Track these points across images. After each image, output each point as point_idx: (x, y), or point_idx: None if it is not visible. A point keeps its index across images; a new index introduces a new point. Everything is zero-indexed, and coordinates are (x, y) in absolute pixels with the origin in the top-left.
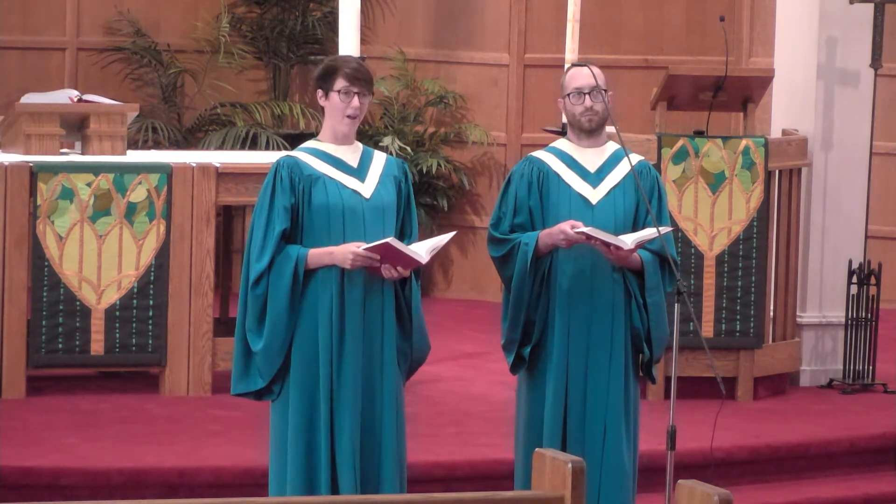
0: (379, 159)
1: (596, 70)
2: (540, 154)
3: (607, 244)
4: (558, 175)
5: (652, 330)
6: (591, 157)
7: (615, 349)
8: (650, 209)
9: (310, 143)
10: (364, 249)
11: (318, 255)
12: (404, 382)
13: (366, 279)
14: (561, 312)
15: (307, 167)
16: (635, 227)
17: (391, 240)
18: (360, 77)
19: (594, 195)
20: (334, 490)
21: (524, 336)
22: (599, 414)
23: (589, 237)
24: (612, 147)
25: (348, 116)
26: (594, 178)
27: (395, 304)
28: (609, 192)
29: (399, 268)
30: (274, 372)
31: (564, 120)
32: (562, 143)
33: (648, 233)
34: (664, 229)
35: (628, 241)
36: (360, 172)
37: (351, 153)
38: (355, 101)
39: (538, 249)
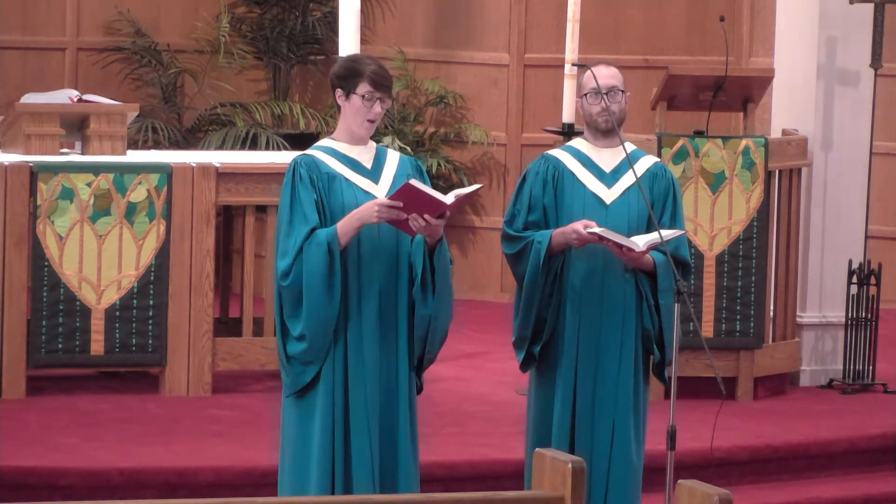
0: (393, 159)
1: (614, 71)
2: (556, 152)
3: (620, 245)
4: (573, 174)
5: (664, 331)
6: (607, 158)
7: (625, 349)
8: (653, 217)
9: (325, 142)
10: (386, 199)
11: (344, 224)
12: (426, 361)
13: (383, 283)
14: (572, 311)
15: (324, 165)
16: (649, 229)
17: (412, 181)
18: (385, 83)
19: (609, 195)
20: (348, 490)
21: (535, 334)
22: (608, 413)
23: (601, 238)
24: (628, 148)
25: (368, 121)
26: (609, 179)
27: (420, 276)
28: (623, 192)
29: (426, 216)
30: (323, 357)
31: (564, 119)
32: (578, 143)
33: (661, 237)
34: (672, 233)
35: (640, 242)
36: (374, 174)
37: (366, 153)
38: (377, 106)
39: (551, 248)
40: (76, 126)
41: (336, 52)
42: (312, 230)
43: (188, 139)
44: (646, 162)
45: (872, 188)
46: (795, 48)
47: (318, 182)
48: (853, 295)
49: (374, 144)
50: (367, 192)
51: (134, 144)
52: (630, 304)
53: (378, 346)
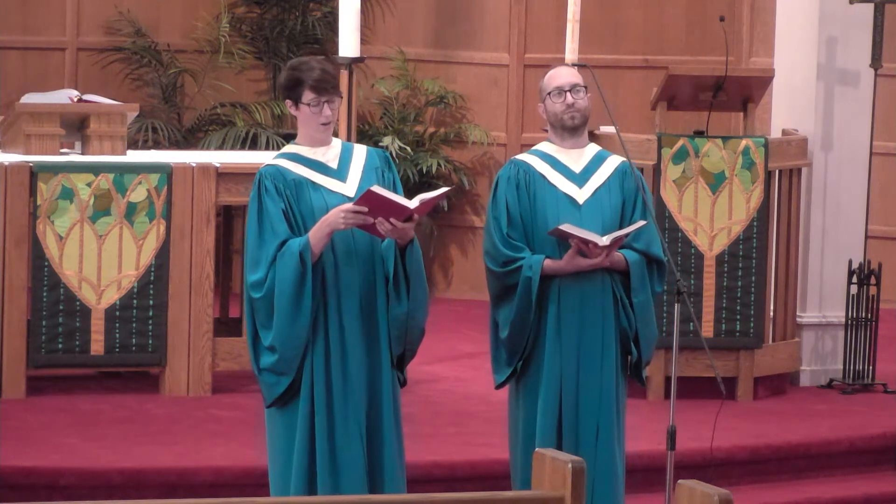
0: (359, 154)
1: (574, 70)
2: (524, 157)
3: (585, 242)
4: (543, 176)
5: (639, 331)
6: (575, 158)
7: (606, 351)
8: (645, 197)
9: (288, 149)
10: (352, 205)
11: (314, 232)
12: (407, 357)
13: (362, 285)
14: (552, 318)
15: (290, 173)
16: (622, 226)
17: (374, 187)
18: (327, 86)
19: (580, 195)
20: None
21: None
22: (592, 415)
23: (565, 234)
24: (594, 148)
25: (322, 124)
26: (579, 179)
27: (393, 277)
28: (595, 191)
29: (392, 219)
30: (296, 365)
31: None
32: (544, 146)
33: (625, 230)
34: (635, 226)
35: (604, 237)
36: (340, 173)
37: (331, 153)
38: (326, 109)
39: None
40: (76, 126)
41: (336, 52)
42: (283, 242)
43: (188, 139)
44: (613, 161)
45: (872, 188)
46: (795, 48)
47: (284, 191)
48: (853, 295)
49: (339, 142)
50: (335, 193)
51: (134, 144)
52: (608, 306)
53: (362, 348)
